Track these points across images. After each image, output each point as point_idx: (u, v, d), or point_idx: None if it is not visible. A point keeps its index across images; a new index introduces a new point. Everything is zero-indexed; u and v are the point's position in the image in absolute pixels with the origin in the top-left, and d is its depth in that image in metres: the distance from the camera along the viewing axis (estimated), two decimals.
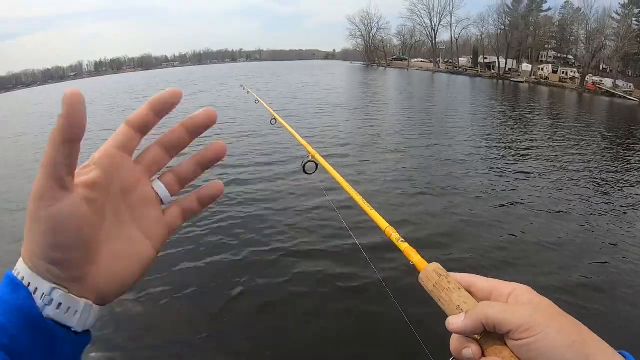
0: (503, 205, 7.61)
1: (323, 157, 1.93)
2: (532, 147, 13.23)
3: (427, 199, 7.81)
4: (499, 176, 9.53)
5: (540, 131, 16.68)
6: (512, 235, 6.42)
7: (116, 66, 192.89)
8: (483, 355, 0.57)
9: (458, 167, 10.17)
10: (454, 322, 0.58)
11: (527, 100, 31.18)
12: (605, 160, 11.86)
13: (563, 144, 13.95)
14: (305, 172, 2.01)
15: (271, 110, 3.80)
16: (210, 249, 5.69)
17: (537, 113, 23.07)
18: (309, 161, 2.01)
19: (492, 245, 5.98)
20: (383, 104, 24.13)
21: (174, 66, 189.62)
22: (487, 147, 12.95)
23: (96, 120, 18.09)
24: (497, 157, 11.43)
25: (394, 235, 0.94)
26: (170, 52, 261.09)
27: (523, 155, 11.75)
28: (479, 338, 0.57)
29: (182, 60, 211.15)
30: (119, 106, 26.32)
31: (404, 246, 0.86)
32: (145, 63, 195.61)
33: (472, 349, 0.57)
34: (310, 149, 2.08)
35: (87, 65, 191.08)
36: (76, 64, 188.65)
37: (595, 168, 10.74)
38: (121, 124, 0.46)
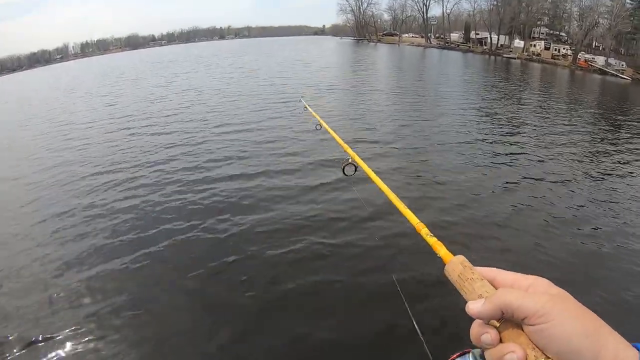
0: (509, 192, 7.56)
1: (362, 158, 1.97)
2: (524, 124, 13.28)
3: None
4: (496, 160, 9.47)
5: (533, 107, 16.68)
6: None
7: (103, 47, 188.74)
8: (501, 341, 0.58)
9: (456, 151, 9.98)
10: (474, 306, 0.60)
11: (519, 76, 31.04)
12: (595, 138, 12.02)
13: (554, 120, 14.10)
14: (345, 174, 2.08)
15: (317, 116, 3.77)
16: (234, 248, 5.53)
17: (529, 89, 23.00)
18: (349, 163, 2.07)
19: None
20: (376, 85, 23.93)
21: (161, 45, 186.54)
22: (478, 123, 13.01)
23: None
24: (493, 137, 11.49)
25: (424, 230, 1.00)
26: (157, 31, 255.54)
27: (517, 134, 11.90)
28: (498, 325, 0.59)
29: (170, 38, 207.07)
30: None
31: (432, 240, 0.91)
32: (132, 43, 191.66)
33: (491, 335, 0.58)
34: (350, 151, 2.13)
35: (73, 47, 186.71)
36: (62, 47, 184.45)
37: (589, 148, 10.86)
38: None
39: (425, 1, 77.04)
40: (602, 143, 11.31)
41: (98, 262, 5.27)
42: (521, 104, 17.29)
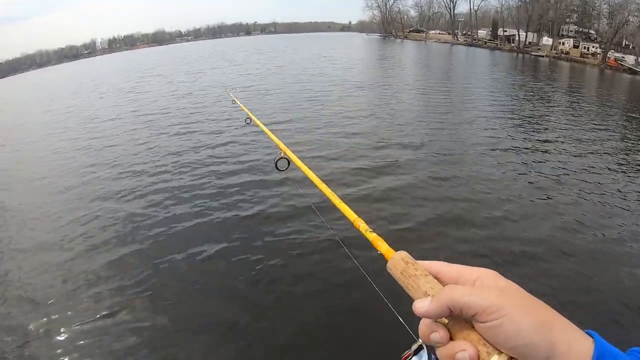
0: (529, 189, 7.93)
1: (294, 152, 1.96)
2: (552, 126, 13.39)
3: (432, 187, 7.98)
4: (519, 161, 9.68)
5: (560, 108, 16.88)
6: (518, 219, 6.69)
7: (130, 42, 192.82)
8: (451, 339, 0.57)
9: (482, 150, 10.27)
10: (421, 305, 0.58)
11: (548, 75, 31.21)
12: (626, 140, 12.05)
13: (582, 121, 14.21)
14: (278, 169, 2.08)
15: (245, 109, 3.94)
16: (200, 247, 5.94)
17: (558, 89, 23.23)
18: (282, 158, 2.06)
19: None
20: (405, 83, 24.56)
21: (188, 40, 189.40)
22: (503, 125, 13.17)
23: None
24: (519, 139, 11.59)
25: (363, 226, 0.98)
26: (184, 27, 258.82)
27: (545, 140, 11.73)
28: (446, 322, 0.58)
29: (196, 34, 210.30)
30: None
31: (372, 236, 0.89)
32: (159, 38, 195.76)
33: (439, 333, 0.57)
34: (282, 146, 2.10)
35: (100, 42, 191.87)
36: (89, 42, 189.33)
37: (617, 149, 10.94)
38: None
39: None
40: (632, 145, 11.37)
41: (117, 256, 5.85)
42: (550, 104, 17.55)
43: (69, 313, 4.68)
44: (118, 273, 5.41)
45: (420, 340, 0.63)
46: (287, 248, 5.83)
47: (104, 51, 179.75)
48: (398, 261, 0.68)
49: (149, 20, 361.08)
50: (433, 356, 0.60)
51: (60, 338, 4.29)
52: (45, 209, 7.94)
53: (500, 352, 0.52)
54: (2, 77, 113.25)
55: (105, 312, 4.60)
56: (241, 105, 4.54)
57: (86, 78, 43.42)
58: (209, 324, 4.43)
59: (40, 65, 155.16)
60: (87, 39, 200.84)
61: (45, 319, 4.60)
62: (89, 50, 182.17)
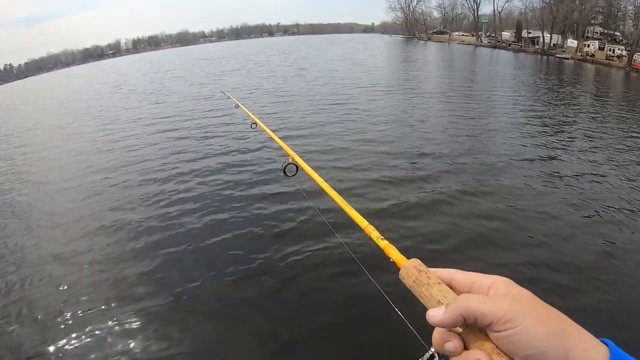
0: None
1: (302, 159, 1.97)
2: (583, 133, 13.10)
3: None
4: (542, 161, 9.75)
5: (589, 113, 16.79)
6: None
7: (154, 43, 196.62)
8: (465, 348, 0.57)
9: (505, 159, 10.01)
10: (435, 314, 0.58)
11: (573, 78, 31.51)
12: None
13: (614, 128, 14.02)
14: (286, 175, 2.05)
15: (252, 115, 3.81)
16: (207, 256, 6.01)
17: (583, 92, 23.41)
18: (290, 163, 2.03)
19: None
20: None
21: (212, 41, 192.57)
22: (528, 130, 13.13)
23: None
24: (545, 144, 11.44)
25: (374, 233, 0.98)
26: (207, 27, 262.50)
27: (568, 142, 11.75)
28: (460, 331, 0.57)
29: (220, 35, 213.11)
30: None
31: (384, 244, 0.90)
32: (183, 39, 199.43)
33: (454, 343, 0.57)
34: (290, 151, 2.09)
35: (125, 42, 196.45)
36: (114, 42, 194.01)
37: None
38: None
39: None
40: None
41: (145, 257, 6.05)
42: (579, 110, 17.46)
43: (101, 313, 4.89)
44: (128, 288, 5.40)
45: (433, 349, 0.65)
46: (294, 257, 5.80)
47: (128, 51, 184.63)
48: (410, 269, 0.69)
49: (174, 20, 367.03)
50: None
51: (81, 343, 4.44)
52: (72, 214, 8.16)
53: None
54: (26, 77, 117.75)
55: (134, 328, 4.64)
56: (246, 110, 4.46)
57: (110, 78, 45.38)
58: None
59: (67, 64, 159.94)
60: (112, 39, 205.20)
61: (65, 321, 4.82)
62: (114, 50, 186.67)
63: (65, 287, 5.46)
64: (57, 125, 19.58)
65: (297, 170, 2.01)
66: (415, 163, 9.63)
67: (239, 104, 4.88)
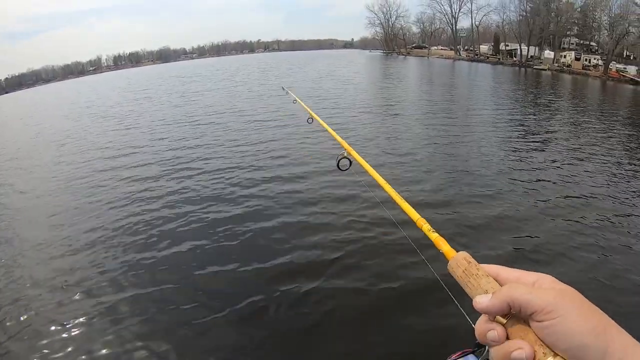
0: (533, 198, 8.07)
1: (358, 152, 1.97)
2: (554, 137, 13.66)
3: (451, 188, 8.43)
4: (522, 167, 10.05)
5: (564, 120, 17.18)
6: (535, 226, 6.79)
7: (135, 59, 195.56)
8: (508, 338, 0.58)
9: (482, 159, 10.69)
10: (482, 300, 0.60)
11: (550, 89, 31.54)
12: (631, 149, 12.30)
13: (586, 132, 14.49)
14: (340, 169, 2.07)
15: (308, 109, 3.94)
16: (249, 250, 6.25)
17: (561, 101, 23.51)
18: (344, 157, 2.05)
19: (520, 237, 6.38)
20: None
21: (192, 58, 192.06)
22: (508, 137, 13.43)
23: None
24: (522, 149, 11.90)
25: (425, 226, 1.01)
26: (189, 44, 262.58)
27: (549, 146, 12.22)
28: (504, 322, 0.58)
29: (201, 52, 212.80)
30: None
31: (434, 236, 0.93)
32: (164, 56, 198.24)
33: (497, 331, 0.58)
34: (345, 144, 2.12)
35: (105, 59, 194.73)
36: (95, 59, 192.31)
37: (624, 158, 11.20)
38: None
39: (454, 13, 78.39)
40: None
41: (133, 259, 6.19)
42: (552, 117, 17.75)
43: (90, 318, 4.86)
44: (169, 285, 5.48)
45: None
46: (351, 243, 6.25)
47: (109, 68, 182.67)
48: (460, 260, 0.71)
49: (155, 38, 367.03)
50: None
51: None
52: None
53: (556, 355, 0.53)
54: (6, 93, 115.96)
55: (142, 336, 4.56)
56: (303, 105, 4.55)
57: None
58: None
59: (47, 80, 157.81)
60: (93, 56, 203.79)
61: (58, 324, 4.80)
62: (95, 66, 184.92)
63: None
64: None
65: (350, 164, 2.02)
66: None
67: (298, 100, 5.04)
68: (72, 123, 23.05)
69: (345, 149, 2.07)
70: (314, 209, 7.63)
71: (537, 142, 12.97)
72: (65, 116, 27.39)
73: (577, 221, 7.08)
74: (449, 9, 79.00)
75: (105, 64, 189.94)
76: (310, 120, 3.77)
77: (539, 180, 9.23)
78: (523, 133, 14.30)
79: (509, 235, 6.50)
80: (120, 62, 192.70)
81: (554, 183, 9.09)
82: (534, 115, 18.45)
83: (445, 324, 4.21)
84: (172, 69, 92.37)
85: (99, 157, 13.20)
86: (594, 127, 15.74)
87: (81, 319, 4.83)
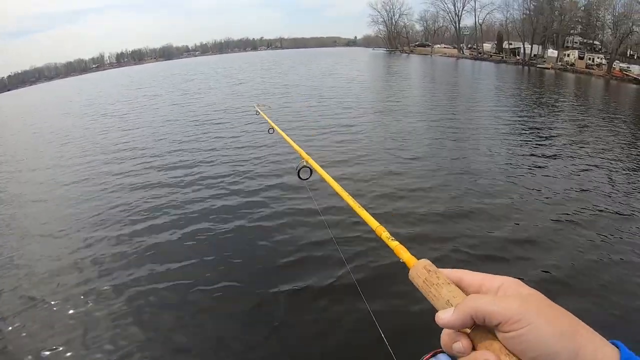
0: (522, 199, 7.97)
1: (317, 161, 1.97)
2: (559, 134, 13.71)
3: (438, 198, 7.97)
4: (520, 167, 9.95)
5: (567, 119, 17.10)
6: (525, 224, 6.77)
7: (137, 57, 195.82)
8: (474, 349, 0.57)
9: (482, 159, 10.61)
10: (444, 316, 0.58)
11: (553, 87, 31.43)
12: (633, 149, 12.24)
13: (589, 132, 14.42)
14: (300, 178, 2.08)
15: (269, 120, 4.00)
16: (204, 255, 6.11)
17: (564, 100, 23.38)
18: (304, 167, 2.06)
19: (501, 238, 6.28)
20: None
21: (195, 55, 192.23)
22: (509, 134, 13.49)
23: None
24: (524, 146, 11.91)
25: (385, 234, 0.99)
26: (191, 42, 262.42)
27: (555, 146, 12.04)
28: (469, 332, 0.57)
29: (203, 49, 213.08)
30: None
31: (394, 244, 0.90)
32: (167, 53, 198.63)
33: (462, 343, 0.57)
34: (304, 154, 2.13)
35: (108, 57, 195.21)
36: (98, 56, 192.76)
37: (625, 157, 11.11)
38: None
39: (457, 11, 78.15)
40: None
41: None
42: (555, 116, 17.72)
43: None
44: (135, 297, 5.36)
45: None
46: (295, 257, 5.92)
47: (112, 65, 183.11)
48: (420, 269, 0.69)
49: (157, 36, 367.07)
50: None
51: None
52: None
53: None
54: (9, 90, 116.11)
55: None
56: (264, 115, 4.61)
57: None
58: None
59: (49, 78, 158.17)
60: (96, 54, 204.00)
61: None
62: (97, 64, 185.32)
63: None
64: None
65: (311, 173, 2.03)
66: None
67: (260, 111, 5.09)
68: (72, 120, 23.29)
69: (304, 159, 2.09)
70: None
71: (540, 141, 12.89)
72: (67, 113, 27.69)
73: (576, 220, 7.04)
74: (452, 7, 78.84)
75: (108, 62, 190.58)
76: (271, 131, 3.79)
77: (543, 176, 9.26)
78: (527, 131, 14.22)
79: (509, 235, 6.46)
80: (123, 59, 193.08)
81: (555, 178, 9.14)
82: (540, 116, 18.21)
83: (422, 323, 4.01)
84: (174, 66, 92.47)
85: (84, 149, 13.61)
86: (598, 126, 15.65)
87: (81, 319, 4.86)
